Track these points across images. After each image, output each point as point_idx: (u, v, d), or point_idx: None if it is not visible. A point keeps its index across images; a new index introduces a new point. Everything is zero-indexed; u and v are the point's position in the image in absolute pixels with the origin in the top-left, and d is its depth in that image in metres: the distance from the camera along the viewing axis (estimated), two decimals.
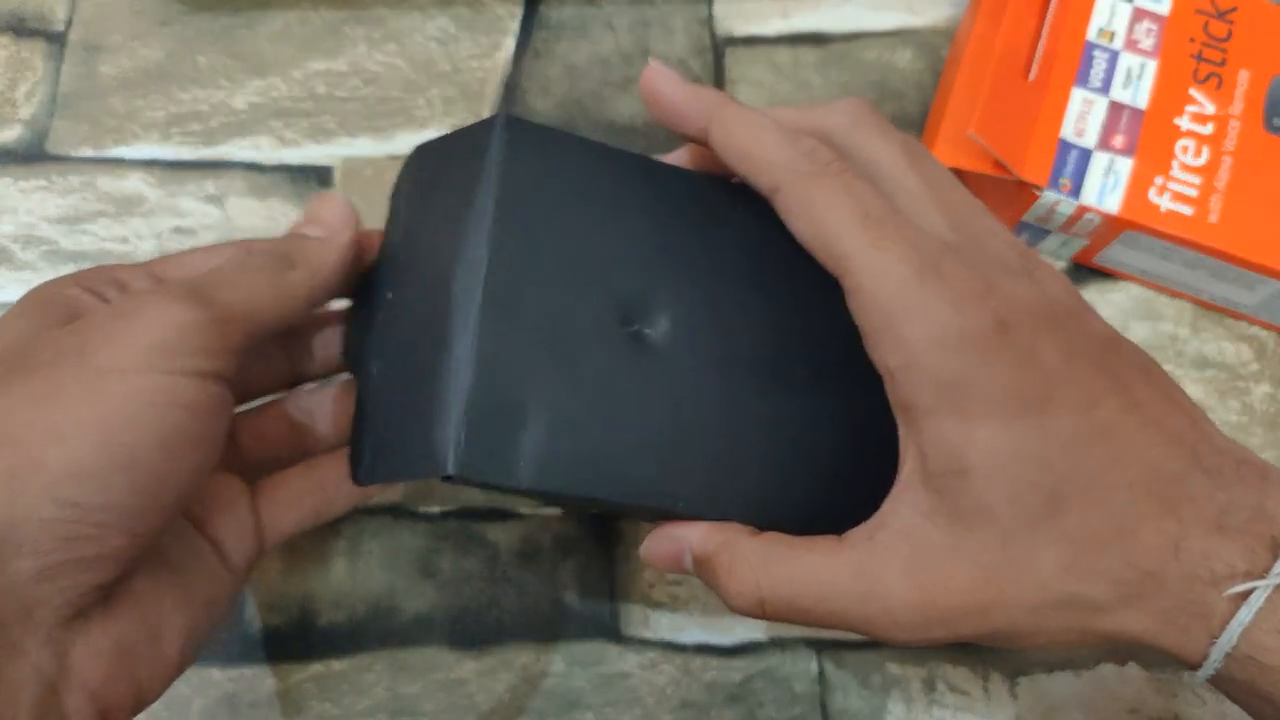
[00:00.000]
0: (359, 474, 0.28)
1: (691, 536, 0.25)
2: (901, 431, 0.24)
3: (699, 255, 0.26)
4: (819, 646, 0.34)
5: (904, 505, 0.24)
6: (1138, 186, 0.35)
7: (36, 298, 0.25)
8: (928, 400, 0.23)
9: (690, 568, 0.26)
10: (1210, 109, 0.36)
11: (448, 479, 0.23)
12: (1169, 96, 0.37)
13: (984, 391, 0.22)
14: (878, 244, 0.23)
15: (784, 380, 0.26)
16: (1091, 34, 0.37)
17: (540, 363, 0.24)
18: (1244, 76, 0.37)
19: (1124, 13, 0.37)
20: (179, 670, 0.25)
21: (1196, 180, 0.35)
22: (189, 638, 0.25)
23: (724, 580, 0.25)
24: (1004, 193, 0.36)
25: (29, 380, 0.22)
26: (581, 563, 0.35)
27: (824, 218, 0.23)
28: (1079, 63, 0.37)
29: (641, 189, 0.26)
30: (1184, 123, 0.36)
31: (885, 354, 0.23)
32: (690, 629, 0.34)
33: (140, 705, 0.24)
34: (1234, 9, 0.37)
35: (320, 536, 0.35)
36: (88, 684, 0.22)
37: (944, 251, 0.23)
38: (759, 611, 0.24)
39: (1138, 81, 0.37)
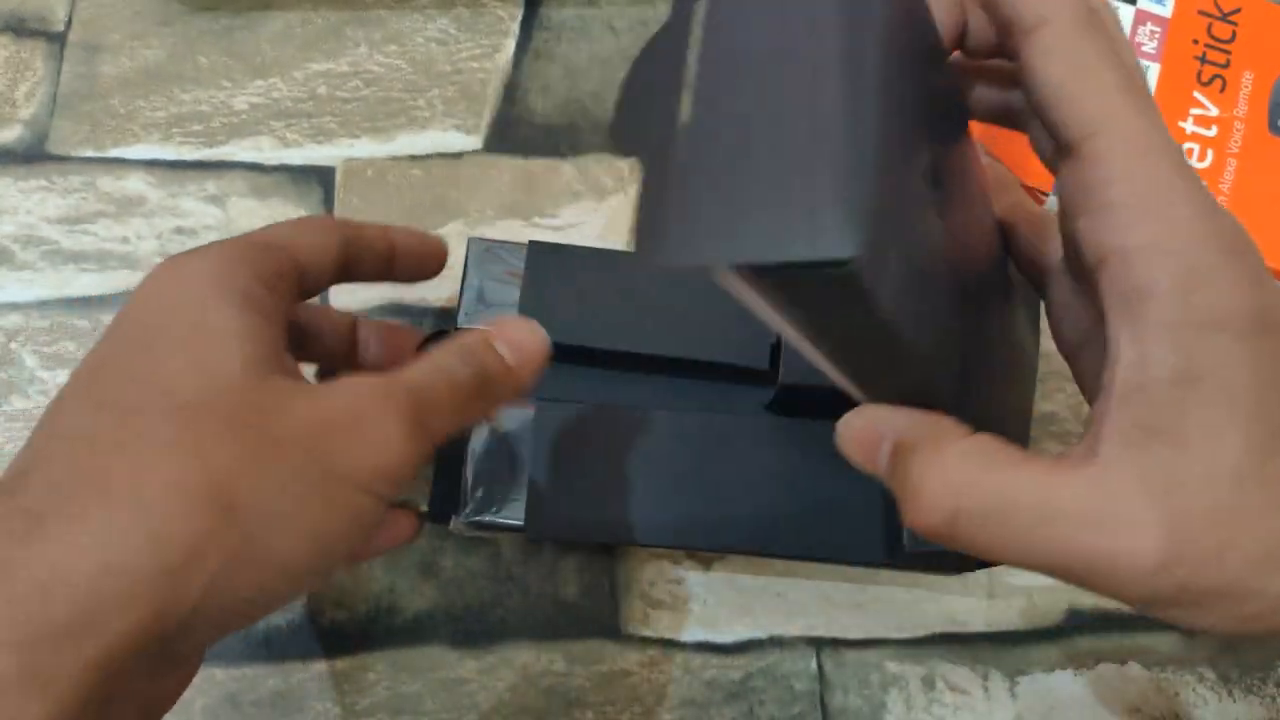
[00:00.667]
0: (663, 250, 0.20)
1: (897, 421, 0.22)
2: (1114, 329, 0.20)
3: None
4: (818, 645, 0.34)
5: (1123, 417, 0.20)
6: None
7: (234, 286, 0.24)
8: (1166, 286, 0.19)
9: (883, 464, 0.22)
10: (1214, 111, 0.36)
11: (831, 267, 0.17)
12: (1172, 99, 0.37)
13: (1226, 295, 0.20)
14: (1144, 114, 0.20)
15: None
16: None
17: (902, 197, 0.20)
18: (1248, 78, 0.37)
19: (1126, 15, 0.37)
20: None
21: None
22: None
23: (917, 482, 0.21)
24: None
25: (273, 460, 0.22)
26: (582, 562, 0.35)
27: (1091, 68, 0.21)
28: None
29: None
30: (1188, 126, 0.36)
31: (1124, 229, 0.20)
32: (690, 627, 0.34)
33: None
34: (1238, 10, 0.37)
35: None
36: None
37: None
38: (946, 529, 0.20)
39: None
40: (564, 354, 0.33)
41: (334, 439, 0.23)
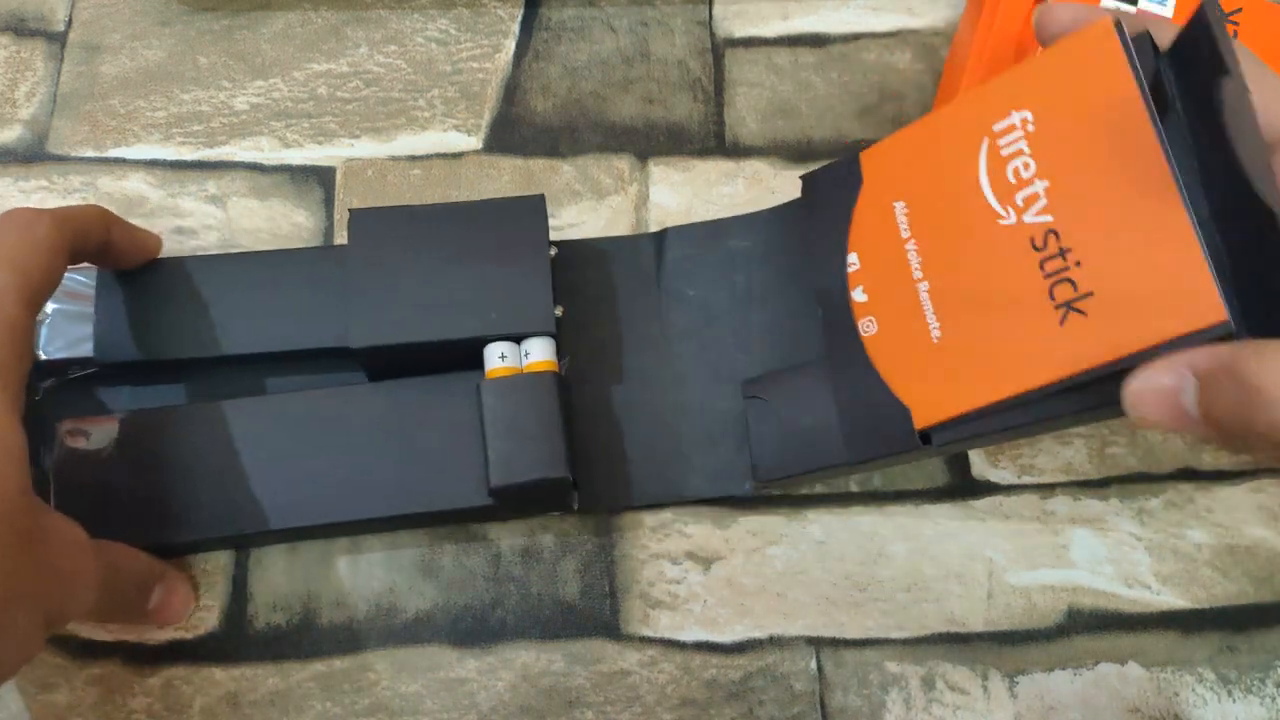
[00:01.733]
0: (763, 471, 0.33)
1: (1196, 358, 0.21)
2: None
3: None
4: (818, 645, 0.34)
5: None
6: None
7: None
8: None
9: (1193, 407, 0.21)
10: None
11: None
12: None
13: None
14: None
15: None
16: None
17: None
18: None
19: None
20: None
21: None
22: None
23: (1270, 379, 0.20)
24: None
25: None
26: (582, 561, 0.35)
27: None
28: None
29: None
30: None
31: None
32: (690, 627, 0.34)
33: None
34: (1239, 10, 0.37)
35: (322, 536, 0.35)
36: None
37: None
38: None
39: None
40: (148, 370, 0.34)
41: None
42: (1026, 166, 0.26)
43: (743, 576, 0.35)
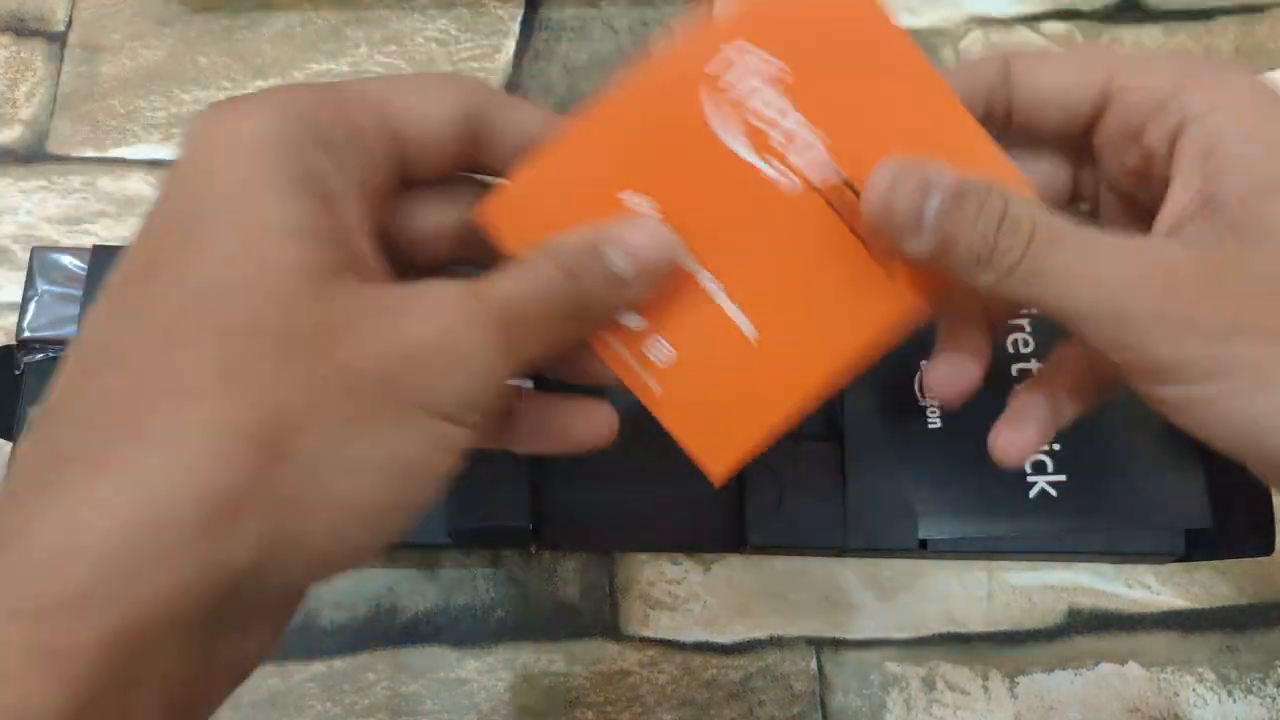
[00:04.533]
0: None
1: (956, 177, 0.21)
2: (1183, 168, 0.21)
3: None
4: (818, 645, 0.34)
5: (1186, 233, 0.21)
6: None
7: (290, 156, 0.19)
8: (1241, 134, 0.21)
9: (931, 217, 0.21)
10: None
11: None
12: None
13: None
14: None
15: None
16: None
17: None
18: None
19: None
20: None
21: None
22: None
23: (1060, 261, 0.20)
24: None
25: (337, 394, 0.19)
26: (582, 562, 0.35)
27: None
28: None
29: None
30: None
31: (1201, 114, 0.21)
32: (690, 627, 0.34)
33: None
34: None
35: None
36: None
37: None
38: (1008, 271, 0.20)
39: None
40: None
41: (413, 370, 0.19)
42: (771, 108, 0.22)
43: (743, 577, 0.35)
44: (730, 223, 0.23)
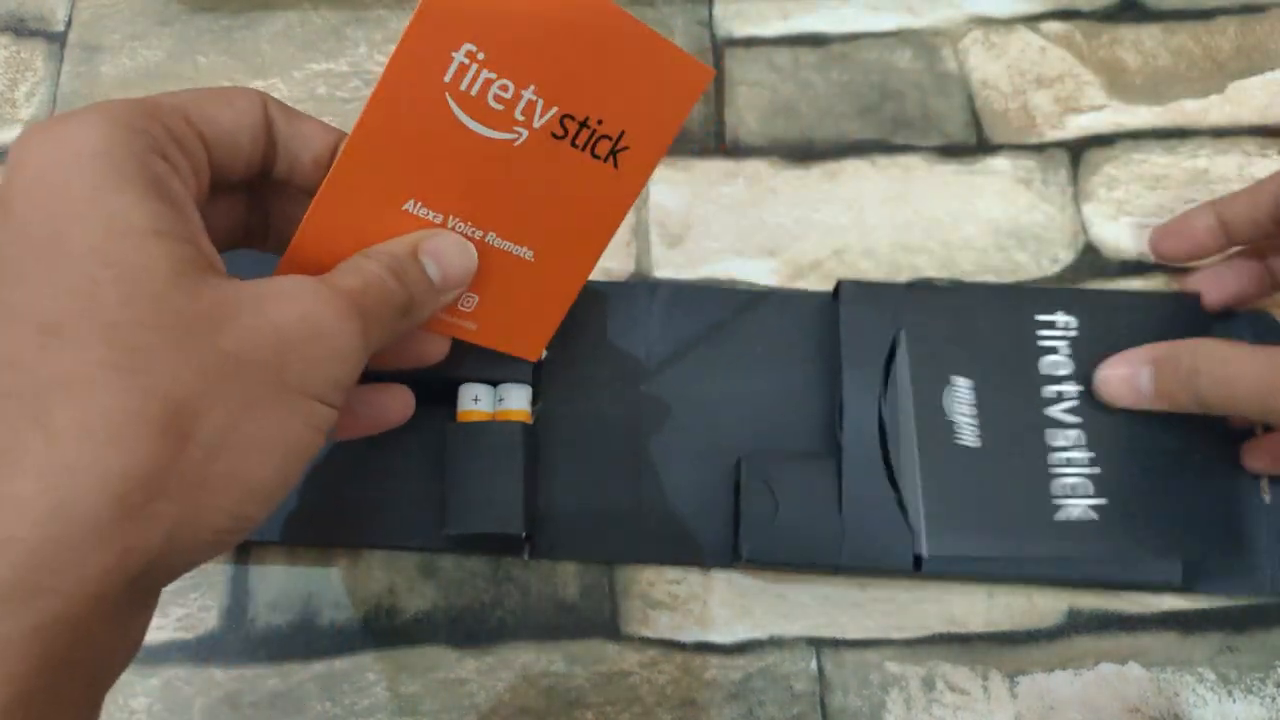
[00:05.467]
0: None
1: (1151, 352, 0.32)
2: None
3: None
4: (818, 645, 0.34)
5: None
6: None
7: (128, 158, 0.20)
8: None
9: (1147, 386, 0.32)
10: None
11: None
12: None
13: None
14: None
15: None
16: None
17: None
18: None
19: None
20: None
21: None
22: None
23: (1203, 364, 0.30)
24: None
25: (227, 378, 0.20)
26: (581, 562, 0.35)
27: None
28: None
29: None
30: None
31: None
32: (690, 628, 0.34)
33: None
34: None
35: None
36: None
37: None
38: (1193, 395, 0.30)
39: None
40: None
41: (290, 354, 0.21)
42: (505, 89, 0.26)
43: (743, 577, 0.35)
44: (491, 188, 0.27)
